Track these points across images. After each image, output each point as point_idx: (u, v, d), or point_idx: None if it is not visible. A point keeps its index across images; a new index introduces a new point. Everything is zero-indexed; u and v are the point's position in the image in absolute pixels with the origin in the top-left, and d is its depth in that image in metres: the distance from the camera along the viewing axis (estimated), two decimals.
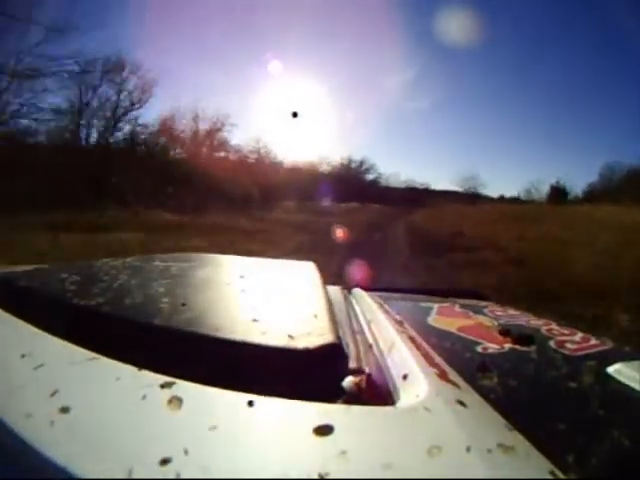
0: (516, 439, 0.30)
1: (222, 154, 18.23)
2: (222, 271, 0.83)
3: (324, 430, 0.28)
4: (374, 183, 28.87)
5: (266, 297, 0.60)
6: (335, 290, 0.86)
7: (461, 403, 0.33)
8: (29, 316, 0.47)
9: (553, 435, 0.35)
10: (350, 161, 27.57)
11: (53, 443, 0.27)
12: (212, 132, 17.40)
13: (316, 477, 0.24)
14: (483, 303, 0.91)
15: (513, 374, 0.46)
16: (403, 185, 30.00)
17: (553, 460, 0.28)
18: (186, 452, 0.26)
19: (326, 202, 19.51)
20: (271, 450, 0.27)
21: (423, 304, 0.81)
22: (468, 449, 0.27)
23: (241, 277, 0.72)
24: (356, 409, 0.32)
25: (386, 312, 0.64)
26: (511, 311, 0.79)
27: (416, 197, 26.93)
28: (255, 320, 0.46)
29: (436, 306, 0.78)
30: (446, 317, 0.71)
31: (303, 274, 0.80)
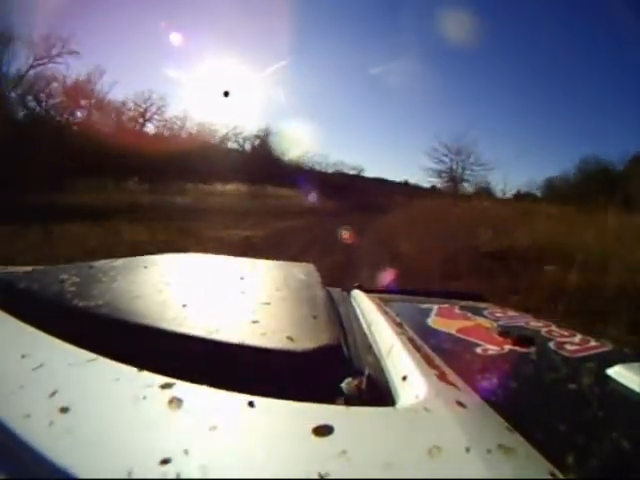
0: (516, 440, 0.30)
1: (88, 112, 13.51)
2: (222, 272, 0.83)
3: (324, 430, 0.28)
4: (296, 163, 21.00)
5: (266, 298, 0.60)
6: (335, 291, 0.86)
7: (461, 404, 0.33)
8: (29, 317, 0.47)
9: (553, 436, 0.35)
10: (267, 133, 19.81)
11: (52, 443, 0.27)
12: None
13: (316, 477, 0.24)
14: (483, 305, 0.91)
15: (513, 375, 0.46)
16: (332, 169, 22.11)
17: (553, 461, 0.28)
18: (186, 452, 0.26)
19: (209, 182, 15.34)
20: (271, 450, 0.27)
21: (423, 305, 0.81)
22: (468, 450, 0.27)
23: (241, 278, 0.72)
24: (356, 410, 0.32)
25: (385, 313, 0.64)
26: (511, 312, 0.79)
27: (347, 184, 20.36)
28: (255, 321, 0.46)
29: (436, 307, 0.78)
30: (446, 318, 0.71)
31: (303, 275, 0.80)
